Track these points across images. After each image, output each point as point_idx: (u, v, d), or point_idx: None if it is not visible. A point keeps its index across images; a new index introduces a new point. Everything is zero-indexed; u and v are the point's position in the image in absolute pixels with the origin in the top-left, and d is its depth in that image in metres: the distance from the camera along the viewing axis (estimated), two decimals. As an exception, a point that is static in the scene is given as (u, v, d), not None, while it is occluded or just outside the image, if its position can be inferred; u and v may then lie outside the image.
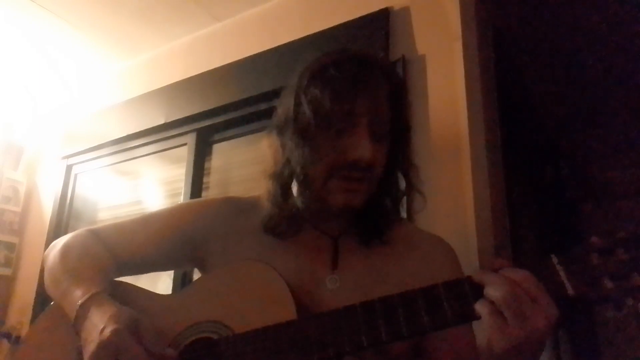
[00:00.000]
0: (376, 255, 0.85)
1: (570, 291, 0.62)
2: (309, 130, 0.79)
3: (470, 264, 1.20)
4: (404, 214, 1.35)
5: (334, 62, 0.81)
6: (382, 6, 1.63)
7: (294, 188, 0.87)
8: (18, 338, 2.25)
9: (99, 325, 0.73)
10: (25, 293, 2.39)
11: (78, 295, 0.80)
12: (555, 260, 0.64)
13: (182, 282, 1.83)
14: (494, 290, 0.61)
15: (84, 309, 0.78)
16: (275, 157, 0.87)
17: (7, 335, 2.27)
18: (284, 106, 0.86)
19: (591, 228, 2.95)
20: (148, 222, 0.97)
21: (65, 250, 0.91)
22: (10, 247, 2.51)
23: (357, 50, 0.87)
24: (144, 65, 2.43)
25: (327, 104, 0.77)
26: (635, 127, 2.95)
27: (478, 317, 0.64)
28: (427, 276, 0.78)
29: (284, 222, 0.86)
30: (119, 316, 0.74)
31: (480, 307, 0.62)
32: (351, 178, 0.80)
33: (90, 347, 0.72)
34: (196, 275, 1.73)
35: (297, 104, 0.82)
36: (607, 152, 3.15)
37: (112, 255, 0.92)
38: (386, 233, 0.86)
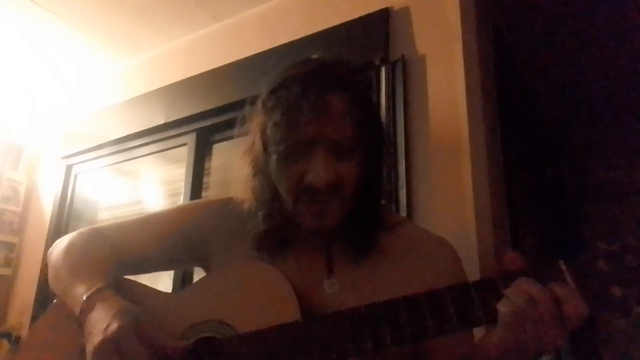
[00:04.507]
0: (373, 258, 0.84)
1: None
2: (263, 161, 0.82)
3: (470, 264, 1.20)
4: (403, 214, 1.35)
5: (282, 85, 0.79)
6: (382, 6, 1.63)
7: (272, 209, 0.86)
8: (18, 338, 2.25)
9: (104, 321, 0.73)
10: (25, 293, 2.39)
11: (83, 290, 0.80)
12: (563, 266, 0.63)
13: (182, 282, 1.83)
14: (515, 295, 0.61)
15: (88, 303, 0.78)
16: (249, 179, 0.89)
17: (7, 335, 2.27)
18: (248, 133, 0.89)
19: (591, 228, 2.94)
20: (150, 222, 0.98)
21: (70, 247, 0.92)
22: (10, 247, 2.51)
23: (313, 64, 0.82)
24: (144, 65, 2.43)
25: (274, 136, 0.77)
26: (635, 127, 2.95)
27: (483, 323, 0.63)
28: (428, 277, 0.77)
29: (269, 241, 0.86)
30: (125, 313, 0.74)
31: (501, 306, 0.61)
32: (316, 201, 0.78)
33: (94, 341, 0.72)
34: (197, 275, 1.73)
35: (254, 136, 0.85)
36: (607, 152, 3.14)
37: (115, 253, 0.92)
38: (377, 243, 0.84)
